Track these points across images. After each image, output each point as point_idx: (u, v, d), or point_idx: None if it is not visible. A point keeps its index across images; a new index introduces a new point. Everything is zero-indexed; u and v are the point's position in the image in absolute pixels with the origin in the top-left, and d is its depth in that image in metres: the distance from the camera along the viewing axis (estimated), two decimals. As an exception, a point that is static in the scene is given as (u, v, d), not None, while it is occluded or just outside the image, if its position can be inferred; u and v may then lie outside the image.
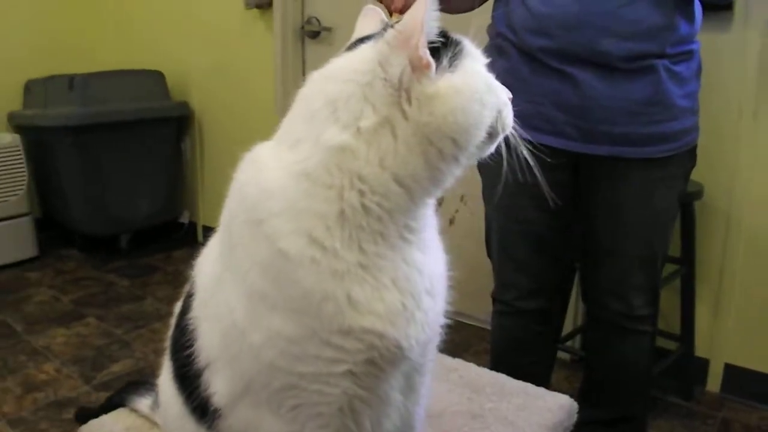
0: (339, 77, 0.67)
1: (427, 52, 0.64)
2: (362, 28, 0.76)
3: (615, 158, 1.44)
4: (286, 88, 3.18)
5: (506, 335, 1.74)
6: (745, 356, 2.22)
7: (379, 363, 0.70)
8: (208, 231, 3.72)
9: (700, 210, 2.16)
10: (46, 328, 2.68)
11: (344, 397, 0.71)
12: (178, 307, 0.89)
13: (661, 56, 1.38)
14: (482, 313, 2.40)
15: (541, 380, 1.56)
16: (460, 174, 0.71)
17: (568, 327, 2.29)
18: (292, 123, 0.71)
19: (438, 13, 0.65)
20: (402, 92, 0.64)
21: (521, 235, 1.60)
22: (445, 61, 0.66)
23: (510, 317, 1.70)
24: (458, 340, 2.51)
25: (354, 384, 0.70)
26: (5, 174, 3.28)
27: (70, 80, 3.23)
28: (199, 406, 0.79)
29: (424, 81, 0.64)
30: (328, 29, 3.08)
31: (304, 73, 3.32)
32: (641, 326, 1.61)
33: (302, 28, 3.15)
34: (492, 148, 0.73)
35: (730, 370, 2.25)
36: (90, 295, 3.05)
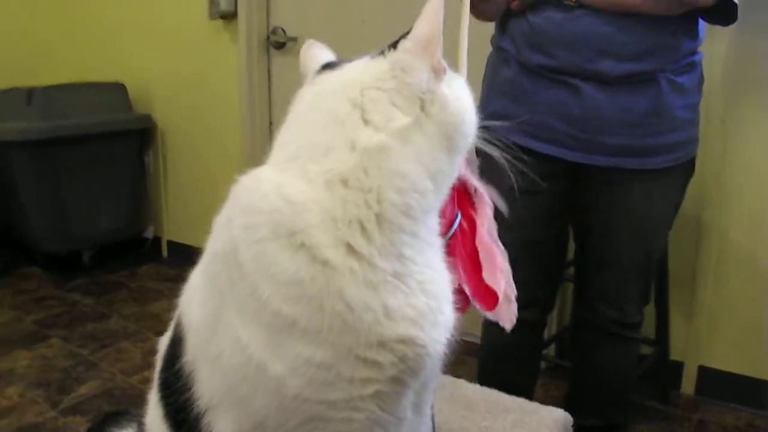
0: (358, 85, 0.70)
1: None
2: (314, 57, 0.81)
3: (614, 169, 1.43)
4: (251, 99, 3.11)
5: (497, 345, 1.71)
6: (718, 358, 2.25)
7: (404, 378, 0.70)
8: (173, 246, 3.68)
9: (672, 215, 2.18)
10: (9, 351, 2.58)
11: (367, 422, 0.70)
12: (163, 345, 0.86)
13: (663, 70, 1.37)
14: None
15: (527, 391, 1.55)
16: None
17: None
18: (310, 135, 0.70)
19: None
20: (428, 94, 0.69)
21: (518, 243, 1.58)
22: None
23: (501, 327, 1.68)
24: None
25: (377, 407, 0.69)
26: (-39, 191, 3.17)
27: (29, 93, 3.15)
28: None
29: (441, 84, 0.71)
30: (294, 39, 3.03)
31: (269, 85, 3.30)
32: (633, 333, 1.61)
33: (267, 38, 3.10)
34: None
35: (704, 372, 2.28)
36: (53, 314, 2.95)
